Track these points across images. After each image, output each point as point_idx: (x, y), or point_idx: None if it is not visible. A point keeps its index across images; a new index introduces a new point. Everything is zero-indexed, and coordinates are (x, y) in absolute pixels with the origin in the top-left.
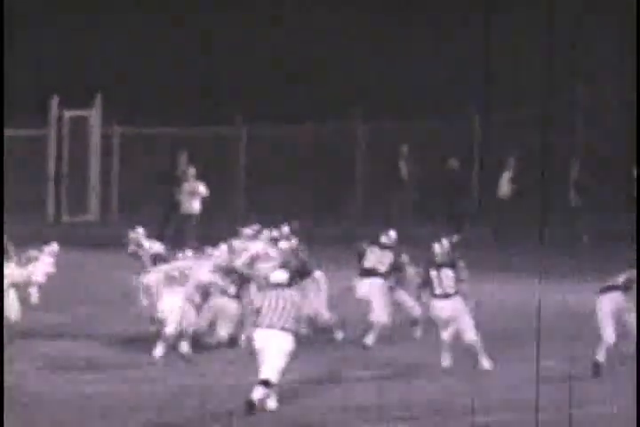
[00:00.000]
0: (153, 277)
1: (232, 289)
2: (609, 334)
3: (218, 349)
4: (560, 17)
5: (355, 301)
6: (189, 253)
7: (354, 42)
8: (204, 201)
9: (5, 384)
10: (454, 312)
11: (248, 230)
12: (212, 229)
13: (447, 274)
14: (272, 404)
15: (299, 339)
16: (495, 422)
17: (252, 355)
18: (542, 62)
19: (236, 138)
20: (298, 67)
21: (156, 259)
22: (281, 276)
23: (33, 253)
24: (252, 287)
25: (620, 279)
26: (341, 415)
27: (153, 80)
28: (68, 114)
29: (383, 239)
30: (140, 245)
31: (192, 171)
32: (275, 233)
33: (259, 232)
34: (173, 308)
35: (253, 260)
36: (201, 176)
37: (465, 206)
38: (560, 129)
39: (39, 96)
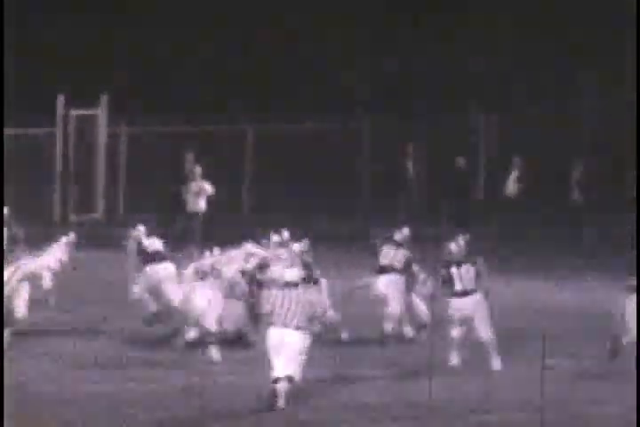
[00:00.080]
0: (188, 272)
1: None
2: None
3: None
4: (560, 17)
5: (362, 300)
6: (217, 250)
7: (354, 42)
8: (210, 199)
9: (11, 383)
10: (473, 310)
11: (276, 237)
12: (218, 227)
13: (468, 270)
14: (281, 402)
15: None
16: (501, 421)
17: (263, 354)
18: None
19: (242, 137)
20: (300, 66)
21: (156, 257)
22: (294, 274)
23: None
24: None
25: None
26: (348, 415)
27: (159, 79)
28: (74, 113)
29: (397, 236)
30: (139, 244)
31: (198, 170)
32: (276, 238)
33: (285, 242)
34: (206, 304)
35: (265, 263)
36: (207, 175)
37: (470, 205)
38: (564, 129)
39: (46, 95)
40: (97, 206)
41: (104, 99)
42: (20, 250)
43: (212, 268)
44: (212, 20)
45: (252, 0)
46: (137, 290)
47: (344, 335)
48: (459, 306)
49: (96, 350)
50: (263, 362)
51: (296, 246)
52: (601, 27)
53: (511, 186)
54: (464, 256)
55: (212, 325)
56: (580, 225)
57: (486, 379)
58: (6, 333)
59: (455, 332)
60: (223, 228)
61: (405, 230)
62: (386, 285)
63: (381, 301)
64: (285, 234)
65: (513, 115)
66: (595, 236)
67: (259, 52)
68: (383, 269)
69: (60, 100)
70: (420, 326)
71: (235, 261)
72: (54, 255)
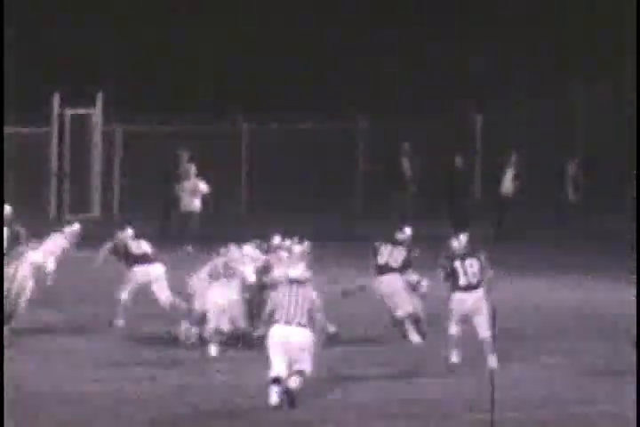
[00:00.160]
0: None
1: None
2: None
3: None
4: (560, 17)
5: (359, 300)
6: (232, 247)
7: (354, 41)
8: (205, 199)
9: (8, 382)
10: (475, 306)
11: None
12: (214, 227)
13: (472, 263)
14: (274, 399)
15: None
16: (497, 420)
17: (260, 353)
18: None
19: (237, 136)
20: (298, 66)
21: (144, 258)
22: (298, 272)
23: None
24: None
25: None
26: (344, 414)
27: (154, 79)
28: (69, 112)
29: (399, 236)
30: (125, 246)
31: (193, 169)
32: (277, 240)
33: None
34: (220, 303)
35: (268, 266)
36: (202, 174)
37: (467, 204)
38: (560, 127)
39: (41, 94)
40: (92, 206)
41: (99, 98)
42: (22, 247)
43: (227, 267)
44: (211, 19)
45: (253, 0)
46: (124, 295)
47: (332, 330)
48: (461, 300)
49: (93, 349)
50: (260, 361)
51: (298, 248)
52: (601, 26)
53: (508, 184)
54: (467, 251)
55: (225, 324)
56: (577, 224)
57: (482, 378)
58: (6, 330)
59: (453, 329)
60: (219, 228)
61: (407, 230)
62: (386, 285)
63: (387, 299)
64: (278, 238)
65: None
66: (592, 235)
67: (257, 51)
68: (380, 270)
69: (56, 99)
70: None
71: (247, 261)
72: (56, 242)
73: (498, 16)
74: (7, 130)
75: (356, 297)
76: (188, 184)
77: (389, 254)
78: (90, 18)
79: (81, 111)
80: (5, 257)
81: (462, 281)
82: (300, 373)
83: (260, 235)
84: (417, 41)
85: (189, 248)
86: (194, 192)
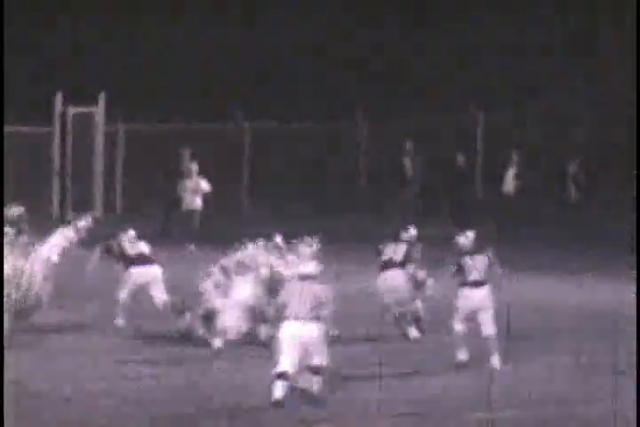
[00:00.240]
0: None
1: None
2: None
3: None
4: (560, 16)
5: (359, 299)
6: (251, 244)
7: (354, 41)
8: (206, 197)
9: (9, 381)
10: (481, 302)
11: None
12: (216, 226)
13: (480, 259)
14: (278, 393)
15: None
16: (500, 419)
17: (264, 351)
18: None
19: (239, 135)
20: (299, 65)
21: (141, 259)
22: (310, 268)
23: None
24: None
25: None
26: (346, 412)
27: (156, 78)
28: (72, 111)
29: (403, 236)
30: (121, 247)
31: (195, 167)
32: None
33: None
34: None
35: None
36: (204, 173)
37: (469, 202)
38: (561, 127)
39: (43, 93)
40: (95, 204)
41: (102, 97)
42: (23, 237)
43: (240, 264)
44: (211, 19)
45: (253, 0)
46: (122, 295)
47: (335, 333)
48: (468, 296)
49: (94, 348)
50: (263, 361)
51: (306, 249)
52: (601, 26)
53: (509, 183)
54: (475, 248)
55: (233, 323)
56: (578, 223)
57: (485, 377)
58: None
59: (459, 326)
60: (221, 226)
61: (412, 230)
62: (390, 280)
63: (388, 294)
64: (279, 239)
65: (512, 113)
66: (593, 234)
67: (257, 51)
68: (384, 265)
69: (58, 97)
70: (417, 321)
71: (261, 262)
72: (64, 235)
73: (498, 16)
74: (9, 129)
75: (357, 297)
76: (189, 183)
77: (393, 251)
78: (92, 17)
79: (83, 110)
80: (10, 247)
81: (471, 277)
82: (317, 370)
83: (262, 233)
84: (417, 41)
85: (192, 247)
86: (195, 191)
